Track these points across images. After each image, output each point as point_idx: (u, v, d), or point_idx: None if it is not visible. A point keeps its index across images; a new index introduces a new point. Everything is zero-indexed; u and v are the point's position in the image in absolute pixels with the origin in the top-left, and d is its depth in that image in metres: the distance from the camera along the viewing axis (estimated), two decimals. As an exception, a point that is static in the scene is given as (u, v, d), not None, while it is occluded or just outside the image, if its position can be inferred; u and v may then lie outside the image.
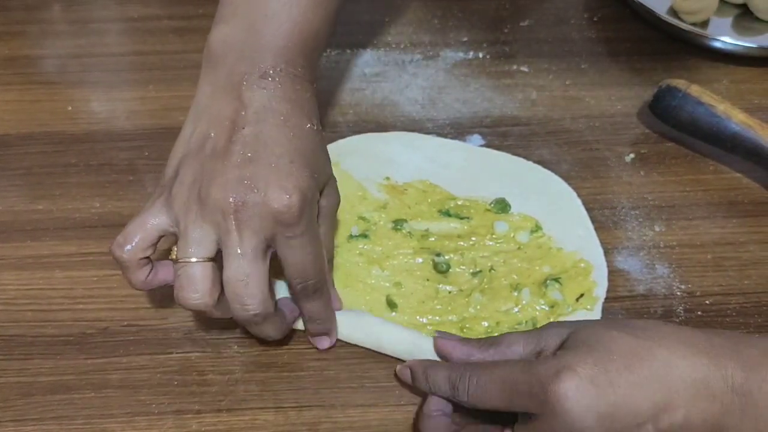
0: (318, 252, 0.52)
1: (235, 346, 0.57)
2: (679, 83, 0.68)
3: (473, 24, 0.79)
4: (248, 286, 0.49)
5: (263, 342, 0.56)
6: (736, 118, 0.66)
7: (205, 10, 0.80)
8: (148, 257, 0.52)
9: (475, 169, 0.66)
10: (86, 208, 0.65)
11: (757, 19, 0.77)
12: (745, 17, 0.78)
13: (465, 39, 0.78)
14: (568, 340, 0.48)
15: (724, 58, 0.76)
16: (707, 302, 0.59)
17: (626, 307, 0.59)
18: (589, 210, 0.64)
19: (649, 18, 0.78)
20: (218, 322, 0.56)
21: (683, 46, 0.77)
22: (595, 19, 0.80)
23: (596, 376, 0.44)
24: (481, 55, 0.77)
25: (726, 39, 0.75)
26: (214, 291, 0.50)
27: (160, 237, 0.52)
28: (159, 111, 0.72)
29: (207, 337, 0.57)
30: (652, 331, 0.47)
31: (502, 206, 0.63)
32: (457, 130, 0.70)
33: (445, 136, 0.69)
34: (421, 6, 0.82)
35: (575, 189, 0.65)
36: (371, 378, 0.56)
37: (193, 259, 0.49)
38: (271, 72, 0.52)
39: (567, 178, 0.66)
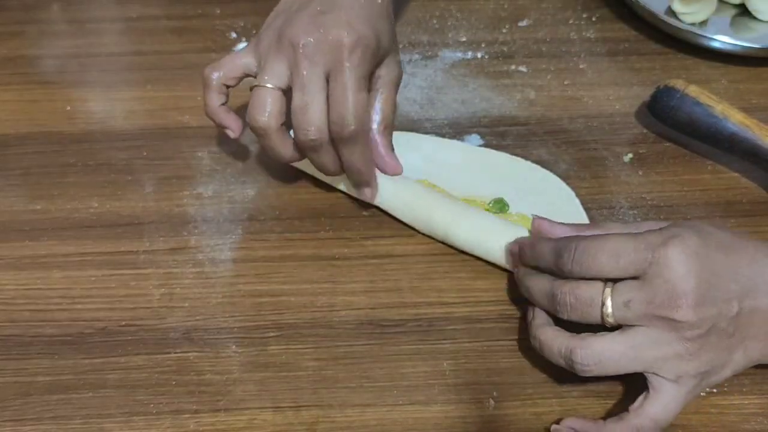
0: (360, 101, 0.56)
1: (233, 346, 0.57)
2: (678, 83, 0.68)
3: (471, 24, 0.79)
4: (307, 113, 0.56)
5: (262, 345, 0.56)
6: (734, 118, 0.66)
7: (203, 10, 0.80)
8: (228, 88, 0.61)
9: (473, 169, 0.66)
10: (84, 208, 0.65)
11: (756, 19, 0.77)
12: (744, 17, 0.78)
13: (463, 39, 0.78)
14: (669, 227, 0.52)
15: (722, 58, 0.76)
16: (705, 302, 0.59)
17: (624, 306, 0.59)
18: (587, 210, 0.64)
19: (647, 18, 0.78)
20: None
21: (681, 46, 0.77)
22: (593, 19, 0.80)
23: (699, 249, 0.50)
24: (479, 55, 0.77)
25: (724, 39, 0.75)
26: (279, 116, 0.57)
27: (245, 75, 0.60)
28: (157, 111, 0.72)
29: (205, 337, 0.57)
30: (742, 235, 0.53)
31: (500, 206, 0.63)
32: (455, 130, 0.70)
33: (443, 136, 0.70)
34: (419, 6, 0.82)
35: (573, 189, 0.65)
36: (369, 378, 0.56)
37: (268, 85, 0.57)
38: None
39: (565, 178, 0.66)
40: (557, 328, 0.53)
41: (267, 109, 0.57)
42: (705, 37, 0.75)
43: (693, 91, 0.67)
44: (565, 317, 0.52)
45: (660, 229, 0.51)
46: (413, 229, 0.63)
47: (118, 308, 0.59)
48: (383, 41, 0.59)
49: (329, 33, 0.56)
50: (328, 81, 0.57)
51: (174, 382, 0.55)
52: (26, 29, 0.79)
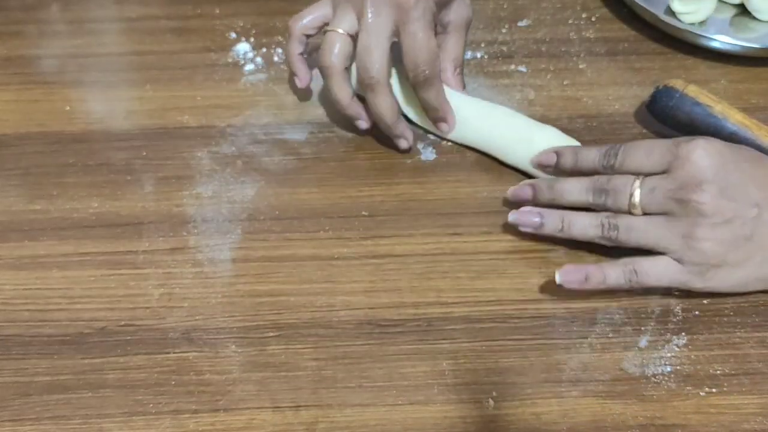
0: (429, 46, 0.63)
1: (233, 346, 0.57)
2: (677, 83, 0.68)
3: (471, 24, 0.79)
4: (370, 55, 0.62)
5: (262, 345, 0.57)
6: (734, 118, 0.66)
7: (202, 10, 0.80)
8: (307, 38, 0.68)
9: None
10: (84, 208, 0.65)
11: (755, 19, 0.77)
12: (743, 17, 0.78)
13: (463, 39, 0.78)
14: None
15: (721, 58, 0.76)
16: (705, 302, 0.59)
17: (623, 306, 0.59)
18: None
19: (646, 18, 0.78)
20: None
21: (681, 46, 0.77)
22: (593, 19, 0.80)
23: (724, 150, 0.56)
24: (479, 55, 0.77)
25: (724, 39, 0.75)
26: (344, 58, 0.64)
27: (323, 23, 0.67)
28: (157, 111, 0.72)
29: (204, 337, 0.57)
30: None
31: None
32: (454, 130, 0.70)
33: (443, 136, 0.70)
34: (419, 6, 0.81)
35: (573, 189, 0.65)
36: (368, 378, 0.56)
37: (339, 30, 0.64)
38: None
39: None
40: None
41: (335, 51, 0.64)
42: (704, 36, 0.75)
43: (692, 91, 0.67)
44: (600, 202, 0.59)
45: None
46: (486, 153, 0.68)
47: (117, 308, 0.59)
48: None
49: None
50: (396, 30, 0.63)
51: (173, 382, 0.55)
52: (26, 29, 0.79)
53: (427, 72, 0.63)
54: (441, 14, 0.67)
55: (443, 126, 0.68)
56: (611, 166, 0.59)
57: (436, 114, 0.67)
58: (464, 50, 0.70)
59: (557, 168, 0.63)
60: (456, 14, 0.68)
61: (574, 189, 0.60)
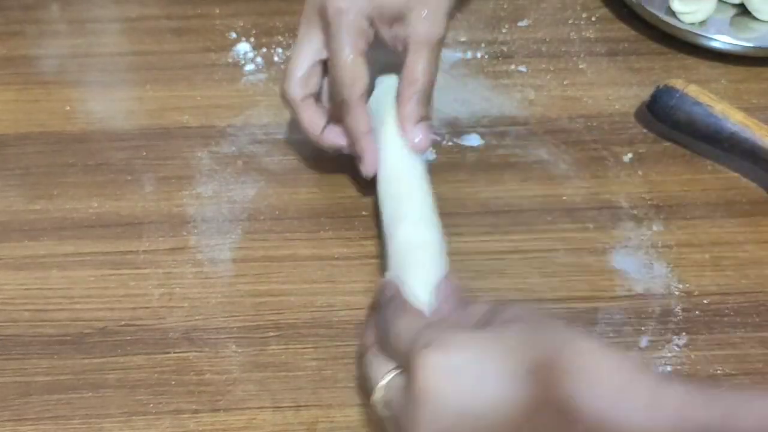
0: (349, 66, 0.56)
1: (233, 346, 0.57)
2: (677, 83, 0.68)
3: (471, 24, 0.79)
4: (287, 74, 0.59)
5: (262, 345, 0.57)
6: (734, 118, 0.66)
7: (202, 10, 0.80)
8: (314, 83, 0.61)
9: None
10: (84, 208, 0.65)
11: (756, 19, 0.77)
12: (744, 17, 0.78)
13: (463, 39, 0.78)
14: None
15: (722, 58, 0.76)
16: (705, 302, 0.59)
17: (624, 306, 0.59)
18: (586, 210, 0.64)
19: (647, 18, 0.78)
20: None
21: (681, 46, 0.77)
22: (593, 19, 0.80)
23: (472, 376, 0.39)
24: (479, 55, 0.77)
25: (724, 39, 0.75)
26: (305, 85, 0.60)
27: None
28: (156, 111, 0.72)
29: (205, 337, 0.57)
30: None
31: None
32: (454, 130, 0.70)
33: (442, 136, 0.69)
34: (419, 6, 0.81)
35: (573, 189, 0.65)
36: (369, 378, 0.56)
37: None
38: None
39: (565, 178, 0.66)
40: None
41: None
42: (704, 36, 0.75)
43: (692, 90, 0.67)
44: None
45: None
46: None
47: (117, 308, 0.59)
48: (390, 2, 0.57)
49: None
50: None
51: (173, 382, 0.55)
52: (26, 29, 0.79)
53: (343, 95, 0.57)
54: (393, 30, 0.59)
55: (360, 166, 0.59)
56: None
57: (352, 148, 0.59)
58: (431, 73, 0.59)
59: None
60: (413, 29, 0.57)
61: (366, 340, 0.48)
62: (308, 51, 0.60)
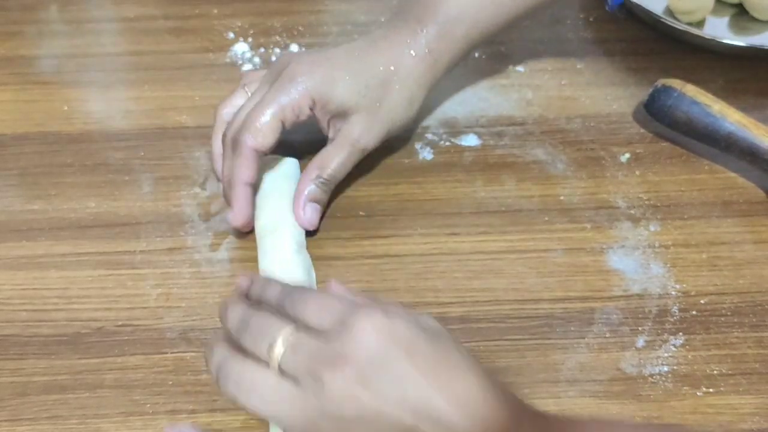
0: (255, 118, 0.59)
1: (230, 346, 0.57)
2: (675, 83, 0.68)
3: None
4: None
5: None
6: (732, 118, 0.66)
7: (201, 10, 0.80)
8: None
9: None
10: (82, 208, 0.65)
11: (753, 19, 0.77)
12: (741, 17, 0.78)
13: (461, 39, 0.78)
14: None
15: (719, 58, 0.76)
16: (702, 302, 0.59)
17: (621, 306, 0.59)
18: (584, 210, 0.64)
19: (644, 18, 0.78)
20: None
21: (679, 46, 0.77)
22: (590, 19, 0.80)
23: (401, 334, 0.44)
24: (477, 55, 0.76)
25: (722, 39, 0.75)
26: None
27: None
28: (154, 111, 0.72)
29: (202, 337, 0.57)
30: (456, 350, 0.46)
31: None
32: (452, 130, 0.70)
33: (440, 136, 0.70)
34: (417, 6, 0.81)
35: (570, 188, 0.65)
36: (366, 378, 0.55)
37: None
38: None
39: (563, 178, 0.66)
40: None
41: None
42: (702, 37, 0.75)
43: (690, 90, 0.67)
44: (239, 338, 0.46)
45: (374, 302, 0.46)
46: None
47: (114, 308, 0.59)
48: (338, 92, 0.60)
49: (284, 61, 0.61)
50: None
51: (171, 382, 0.55)
52: (24, 29, 0.79)
53: (231, 134, 0.60)
54: (333, 121, 0.62)
55: (229, 214, 0.61)
56: (282, 308, 0.47)
57: (226, 193, 0.62)
58: (342, 170, 0.62)
59: (249, 297, 0.50)
60: (349, 128, 0.62)
61: (232, 315, 0.48)
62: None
